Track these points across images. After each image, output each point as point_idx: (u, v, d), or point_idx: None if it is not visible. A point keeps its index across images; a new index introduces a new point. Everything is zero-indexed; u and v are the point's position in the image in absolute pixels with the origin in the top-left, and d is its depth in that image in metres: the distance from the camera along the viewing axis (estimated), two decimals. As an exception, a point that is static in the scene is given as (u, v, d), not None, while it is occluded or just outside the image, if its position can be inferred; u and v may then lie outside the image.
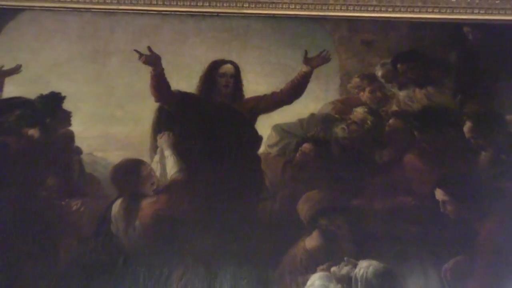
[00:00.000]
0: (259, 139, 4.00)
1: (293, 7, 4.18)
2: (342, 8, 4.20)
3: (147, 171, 3.94)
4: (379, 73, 4.17)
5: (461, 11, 4.20)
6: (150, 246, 3.77)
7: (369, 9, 4.20)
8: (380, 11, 4.20)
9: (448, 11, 4.21)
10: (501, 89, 4.11)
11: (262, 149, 3.99)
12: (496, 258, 3.74)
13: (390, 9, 4.20)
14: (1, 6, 4.19)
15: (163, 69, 4.11)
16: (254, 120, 4.04)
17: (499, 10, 4.21)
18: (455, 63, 4.18)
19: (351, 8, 4.20)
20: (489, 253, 3.75)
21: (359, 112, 4.08)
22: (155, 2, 4.19)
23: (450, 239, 3.77)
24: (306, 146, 4.01)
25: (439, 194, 3.85)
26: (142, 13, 4.20)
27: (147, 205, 3.87)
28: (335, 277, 3.67)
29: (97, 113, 4.04)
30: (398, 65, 4.17)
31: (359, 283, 3.63)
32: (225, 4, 4.19)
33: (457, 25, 4.22)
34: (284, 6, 4.19)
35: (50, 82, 4.08)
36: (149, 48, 4.12)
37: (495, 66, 4.16)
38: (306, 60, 4.14)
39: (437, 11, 4.21)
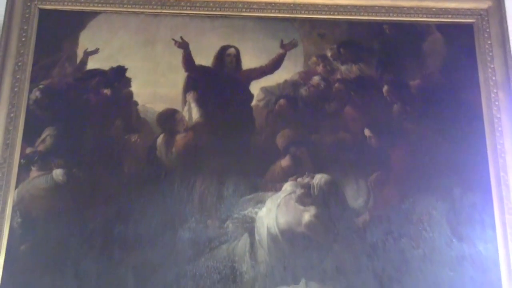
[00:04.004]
0: (251, 96, 3.86)
1: (273, 11, 4.03)
2: (305, 12, 4.05)
3: (180, 116, 3.80)
4: (328, 54, 4.00)
5: (381, 14, 4.06)
6: (181, 165, 3.66)
7: (322, 13, 4.05)
8: (329, 14, 4.06)
9: (373, 14, 4.06)
10: (406, 65, 3.98)
11: (253, 103, 3.85)
12: (401, 172, 3.68)
13: (336, 13, 4.05)
14: (87, 10, 4.02)
15: (190, 51, 3.95)
16: (248, 84, 3.89)
17: (406, 14, 4.07)
18: (377, 48, 4.03)
19: (311, 13, 4.05)
20: (397, 169, 3.68)
21: (315, 79, 3.93)
22: (185, 9, 4.03)
23: (373, 161, 3.69)
24: (281, 101, 3.87)
25: (366, 132, 3.76)
26: (176, 15, 4.03)
27: (180, 138, 3.74)
28: (300, 185, 3.60)
29: (148, 80, 3.88)
30: (341, 49, 4.01)
31: (315, 188, 3.58)
32: (230, 10, 4.03)
33: (379, 24, 4.07)
34: (268, 11, 4.03)
35: (117, 60, 3.91)
36: (181, 38, 3.97)
37: (402, 50, 4.03)
38: (282, 46, 3.99)
39: (366, 14, 4.05)
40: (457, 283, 3.43)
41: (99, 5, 4.02)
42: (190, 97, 3.85)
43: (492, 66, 3.93)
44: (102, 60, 3.92)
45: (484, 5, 4.09)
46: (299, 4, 4.05)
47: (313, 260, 3.46)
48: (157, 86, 3.86)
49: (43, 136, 3.70)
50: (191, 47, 3.96)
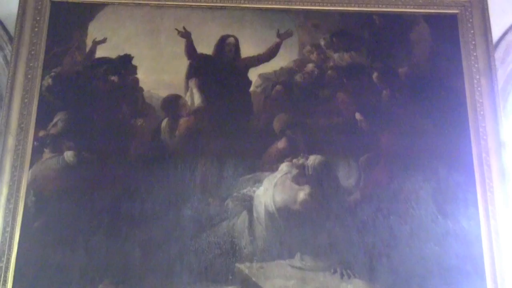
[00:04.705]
0: (249, 82, 3.80)
1: (270, 3, 3.95)
2: (300, 4, 3.97)
3: (183, 102, 3.74)
4: (322, 43, 3.92)
5: (371, 6, 3.99)
6: (184, 147, 3.61)
7: (316, 4, 3.98)
8: (323, 5, 3.98)
9: (363, 5, 3.99)
10: (394, 53, 3.92)
11: (251, 89, 3.79)
12: (390, 153, 3.63)
13: (328, 4, 3.97)
14: (95, 2, 3.96)
15: (192, 40, 3.88)
16: (247, 71, 3.83)
17: (394, 5, 3.99)
18: (368, 37, 3.96)
19: (306, 4, 3.98)
20: (386, 150, 3.64)
21: (309, 66, 3.86)
22: (187, 0, 3.98)
23: (364, 143, 3.65)
24: (278, 87, 3.80)
25: (358, 116, 3.71)
26: (179, 7, 3.96)
27: (182, 122, 3.69)
28: (295, 166, 3.56)
29: (153, 67, 3.82)
30: (334, 39, 3.94)
31: (309, 169, 3.54)
32: (230, 1, 3.96)
33: (369, 14, 4.00)
34: (265, 3, 3.96)
35: (124, 49, 3.85)
36: (184, 28, 3.90)
37: (391, 39, 3.96)
38: (278, 35, 3.92)
39: (357, 6, 3.98)
40: (442, 257, 3.39)
41: (107, -3, 4.01)
42: (192, 83, 3.78)
43: (475, 54, 3.88)
44: (110, 49, 3.86)
45: (467, -3, 4.06)
46: (294, -4, 4.03)
47: (308, 235, 3.42)
48: (161, 73, 3.80)
49: (54, 120, 3.65)
50: (193, 37, 3.89)
